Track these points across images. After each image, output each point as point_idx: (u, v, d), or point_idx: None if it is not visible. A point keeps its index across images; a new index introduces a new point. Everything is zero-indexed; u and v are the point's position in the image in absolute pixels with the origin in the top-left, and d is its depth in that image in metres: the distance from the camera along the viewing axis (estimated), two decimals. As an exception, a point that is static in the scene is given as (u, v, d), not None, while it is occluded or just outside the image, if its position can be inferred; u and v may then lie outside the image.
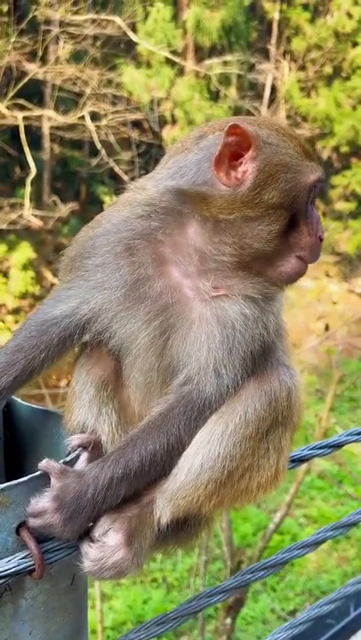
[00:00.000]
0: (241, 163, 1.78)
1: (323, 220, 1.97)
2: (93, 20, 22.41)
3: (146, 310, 1.79)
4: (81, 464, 1.76)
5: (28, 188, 20.17)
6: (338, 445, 2.45)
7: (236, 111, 24.70)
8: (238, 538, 12.74)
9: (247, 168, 1.77)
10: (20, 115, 20.46)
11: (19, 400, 2.02)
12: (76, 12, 21.94)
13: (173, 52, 25.12)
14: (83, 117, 21.33)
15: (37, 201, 22.10)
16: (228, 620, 8.80)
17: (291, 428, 1.79)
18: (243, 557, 9.25)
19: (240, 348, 1.75)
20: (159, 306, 1.79)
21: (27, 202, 20.39)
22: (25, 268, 21.23)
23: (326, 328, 22.17)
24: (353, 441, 2.49)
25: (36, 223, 21.34)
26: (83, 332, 1.86)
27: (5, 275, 21.77)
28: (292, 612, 11.56)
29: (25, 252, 21.19)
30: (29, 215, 20.61)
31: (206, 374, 1.75)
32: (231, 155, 1.77)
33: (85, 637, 1.87)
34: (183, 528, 1.83)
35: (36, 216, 20.97)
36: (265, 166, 1.78)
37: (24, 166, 21.86)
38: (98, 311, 1.82)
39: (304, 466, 10.01)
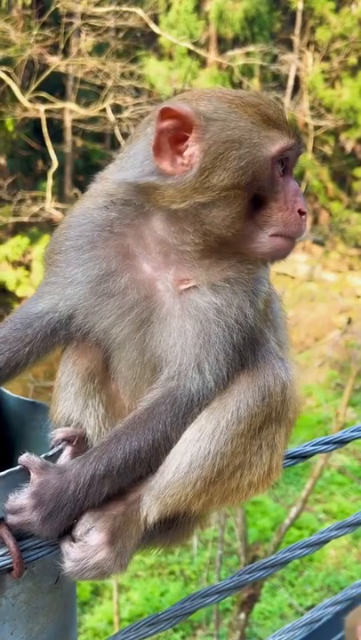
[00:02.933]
0: (186, 146, 1.64)
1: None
2: (115, 12, 22.29)
3: (116, 305, 1.73)
4: (64, 459, 1.70)
5: (50, 182, 20.18)
6: (343, 441, 2.36)
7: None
8: (257, 532, 12.68)
9: (192, 151, 1.64)
10: (42, 108, 20.45)
11: (7, 392, 1.97)
12: (98, 4, 21.85)
13: (195, 44, 24.95)
14: (104, 110, 21.26)
15: (59, 194, 22.16)
16: (242, 616, 8.73)
17: (285, 425, 1.71)
18: (258, 552, 9.17)
19: (218, 340, 1.67)
20: (128, 301, 1.72)
21: (48, 195, 20.40)
22: (46, 260, 21.32)
23: (349, 322, 21.92)
24: (359, 437, 2.39)
25: (58, 216, 21.38)
26: (67, 327, 1.80)
27: (28, 267, 21.90)
28: (310, 608, 11.46)
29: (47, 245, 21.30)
30: (51, 208, 20.63)
31: (188, 371, 1.67)
32: (173, 140, 1.64)
33: (73, 637, 1.82)
34: (172, 527, 1.76)
35: (57, 209, 20.98)
36: (211, 146, 1.63)
37: (46, 159, 21.90)
38: (74, 306, 1.77)
39: (320, 461, 9.90)
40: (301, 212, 1.70)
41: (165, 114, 1.63)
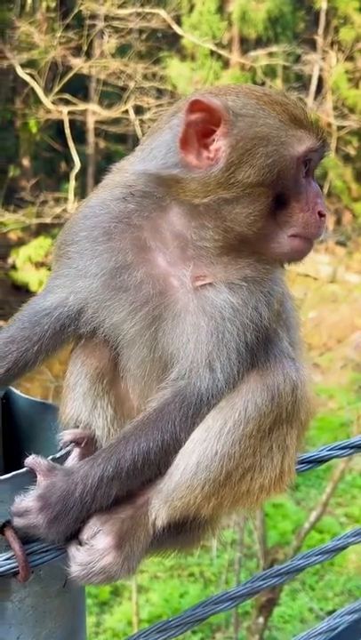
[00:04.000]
0: (213, 140, 1.62)
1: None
2: (138, 14, 22.34)
3: (129, 300, 1.69)
4: (72, 461, 1.67)
5: (73, 183, 20.27)
6: (360, 447, 2.31)
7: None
8: (277, 535, 12.57)
9: (219, 146, 1.62)
10: (65, 109, 20.57)
11: (17, 392, 1.96)
12: (121, 6, 21.91)
13: (218, 45, 24.90)
14: (127, 111, 21.31)
15: (82, 195, 22.19)
16: (261, 620, 8.66)
17: (297, 426, 1.66)
18: (278, 555, 9.09)
19: (232, 339, 1.63)
20: (142, 296, 1.68)
21: (71, 196, 20.50)
22: (68, 261, 21.38)
23: (372, 324, 21.68)
24: (377, 442, 2.33)
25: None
26: (76, 322, 1.77)
27: (50, 268, 21.96)
28: (331, 612, 11.32)
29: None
30: (74, 209, 20.70)
31: (199, 369, 1.64)
32: (200, 133, 1.62)
33: (82, 642, 1.79)
34: (182, 531, 1.72)
35: (79, 210, 21.04)
36: (239, 142, 1.61)
37: (69, 161, 22.01)
38: (84, 300, 1.73)
39: (341, 465, 9.78)
40: (321, 215, 1.69)
41: (195, 106, 1.61)
